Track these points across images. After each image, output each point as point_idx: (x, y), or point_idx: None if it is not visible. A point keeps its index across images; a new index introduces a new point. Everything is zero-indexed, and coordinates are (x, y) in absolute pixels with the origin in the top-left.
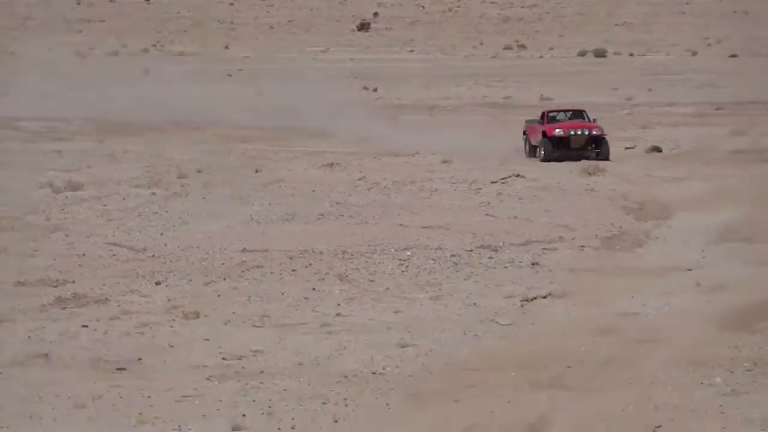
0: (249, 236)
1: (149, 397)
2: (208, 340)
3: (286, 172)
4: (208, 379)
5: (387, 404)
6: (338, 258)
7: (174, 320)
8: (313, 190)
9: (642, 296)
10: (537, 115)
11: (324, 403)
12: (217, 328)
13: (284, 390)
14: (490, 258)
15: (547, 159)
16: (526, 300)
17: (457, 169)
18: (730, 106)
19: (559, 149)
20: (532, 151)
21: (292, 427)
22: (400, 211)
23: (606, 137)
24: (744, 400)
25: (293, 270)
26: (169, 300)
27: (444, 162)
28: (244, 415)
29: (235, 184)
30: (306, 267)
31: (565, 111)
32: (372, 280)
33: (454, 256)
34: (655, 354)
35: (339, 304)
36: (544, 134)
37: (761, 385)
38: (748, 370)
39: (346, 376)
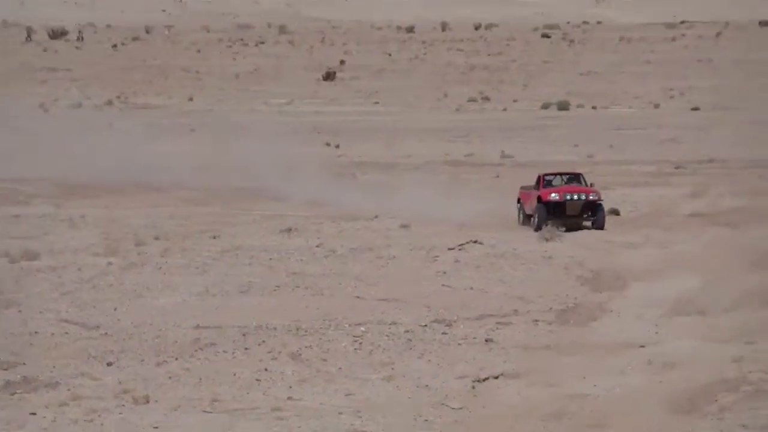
0: (203, 310)
1: None
2: (156, 428)
3: (244, 238)
4: None
5: None
6: (292, 334)
7: (123, 405)
8: (270, 259)
9: (594, 376)
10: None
11: None
12: (166, 415)
13: None
14: (444, 334)
15: (539, 227)
16: (479, 380)
17: (415, 235)
18: (691, 164)
19: (554, 215)
20: (526, 220)
21: None
22: (357, 282)
23: (602, 203)
24: None
25: (246, 348)
26: (120, 383)
27: (402, 227)
28: None
29: (192, 252)
30: (259, 345)
31: (561, 174)
32: (325, 359)
33: (408, 332)
34: None
35: (291, 387)
36: (539, 199)
37: None
38: None
39: None
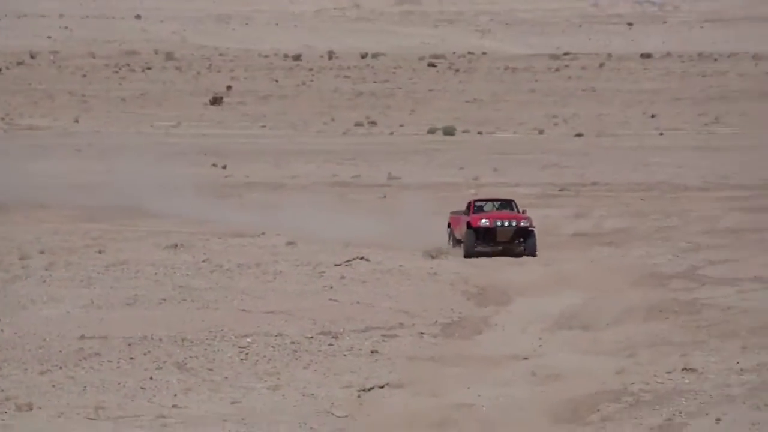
0: (88, 322)
1: None
2: None
3: (130, 253)
4: None
5: None
6: (177, 345)
7: (6, 413)
8: (156, 273)
9: (478, 386)
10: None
11: None
12: (50, 422)
13: None
14: (330, 345)
15: (468, 254)
16: (364, 390)
17: (301, 252)
18: (574, 187)
19: (484, 241)
20: (456, 245)
21: None
22: (243, 296)
23: (534, 230)
24: None
25: (131, 358)
26: (3, 391)
27: (289, 244)
28: None
29: (77, 266)
30: (145, 354)
31: (492, 200)
32: (210, 369)
33: (294, 343)
34: None
35: (176, 395)
36: (468, 225)
37: None
38: None
39: None
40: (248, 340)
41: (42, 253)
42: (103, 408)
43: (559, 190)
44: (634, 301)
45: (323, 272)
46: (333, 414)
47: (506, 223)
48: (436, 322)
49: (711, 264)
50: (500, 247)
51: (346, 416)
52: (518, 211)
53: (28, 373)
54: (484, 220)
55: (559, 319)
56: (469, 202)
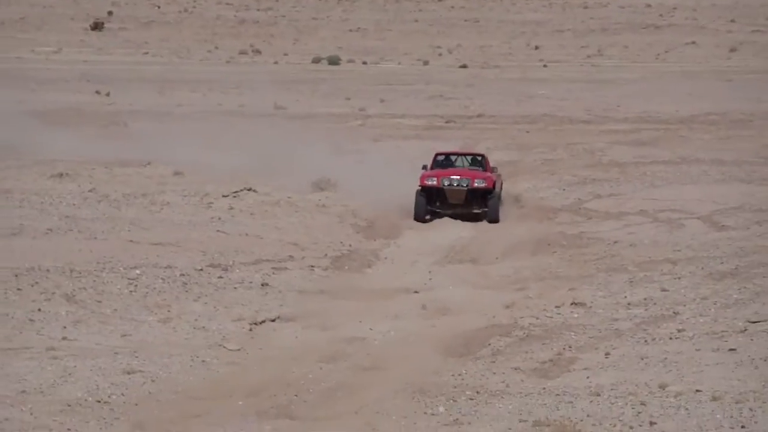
0: None
1: None
2: None
3: (14, 182)
4: None
5: None
6: (65, 276)
7: None
8: (42, 202)
9: (369, 320)
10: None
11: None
12: None
13: (6, 420)
14: (220, 278)
15: (417, 216)
16: (255, 323)
17: (189, 182)
18: (460, 119)
19: (435, 204)
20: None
21: None
22: (131, 227)
23: (495, 192)
24: (465, 431)
25: (18, 289)
26: None
27: (176, 174)
28: None
29: None
30: (32, 286)
31: (459, 155)
32: (99, 301)
33: (183, 275)
34: (381, 382)
35: (65, 327)
36: (419, 183)
37: (482, 415)
38: (470, 399)
39: (70, 405)
40: (137, 272)
41: None
42: None
43: (446, 122)
44: (522, 234)
45: (211, 203)
46: (225, 347)
47: (456, 183)
48: (326, 255)
49: (597, 198)
50: (453, 211)
51: (238, 350)
52: (484, 169)
53: None
54: (431, 179)
55: (448, 252)
56: (435, 155)
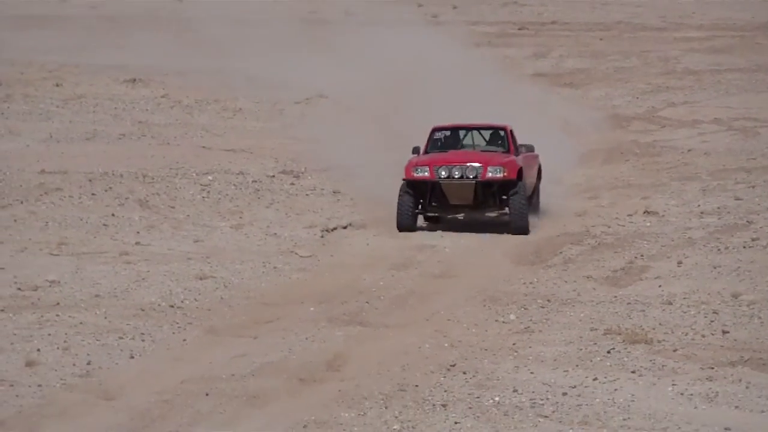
0: (48, 156)
1: None
2: (2, 269)
3: (88, 87)
4: (2, 310)
5: (184, 339)
6: (139, 181)
7: None
8: (115, 108)
9: (439, 227)
10: None
11: (120, 338)
12: (12, 256)
13: (80, 323)
14: (292, 185)
15: (401, 224)
16: (327, 230)
17: (261, 88)
18: (533, 26)
19: (430, 204)
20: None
21: (88, 363)
22: (203, 133)
23: (524, 185)
24: (536, 338)
25: (93, 194)
26: None
27: (248, 80)
28: (38, 350)
29: (35, 99)
30: (106, 191)
31: (471, 128)
32: (172, 207)
33: (255, 181)
34: (452, 289)
35: (138, 232)
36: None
37: (553, 323)
38: (541, 307)
39: (143, 309)
40: (209, 177)
41: None
42: (66, 244)
43: (518, 29)
44: (595, 142)
45: (283, 110)
46: (296, 254)
47: (459, 173)
48: (398, 162)
49: (671, 106)
50: (457, 214)
51: (310, 256)
52: (508, 150)
53: None
54: (420, 169)
55: None
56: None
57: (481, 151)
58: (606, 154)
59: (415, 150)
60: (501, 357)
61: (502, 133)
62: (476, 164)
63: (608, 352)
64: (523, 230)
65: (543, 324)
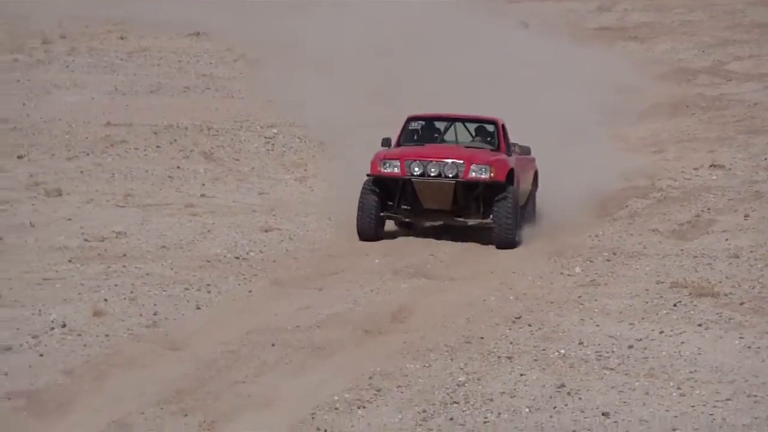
0: (113, 109)
1: (9, 279)
2: (70, 219)
3: (152, 40)
4: (69, 261)
5: (250, 291)
6: (203, 134)
7: (36, 197)
8: (179, 61)
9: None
10: None
11: (186, 289)
12: (79, 207)
13: (147, 274)
14: (354, 137)
15: (362, 231)
16: None
17: (324, 41)
18: None
19: (396, 209)
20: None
21: (154, 314)
22: (267, 86)
23: (514, 190)
24: (602, 291)
25: (158, 146)
26: (31, 176)
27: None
28: (105, 300)
29: (100, 52)
30: (171, 143)
31: (453, 119)
32: (237, 159)
33: (318, 135)
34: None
35: (203, 184)
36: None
37: (619, 276)
38: (607, 260)
39: (209, 261)
40: (274, 131)
41: (64, 38)
42: (132, 195)
43: None
44: (660, 96)
45: (348, 65)
46: None
47: (435, 171)
48: None
49: (737, 59)
50: (431, 221)
51: None
52: (498, 148)
53: (55, 159)
54: (389, 163)
55: (589, 113)
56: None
57: (466, 146)
58: (671, 108)
59: (385, 142)
60: (566, 310)
61: (491, 127)
62: (457, 161)
63: (674, 305)
64: (509, 244)
65: (609, 277)
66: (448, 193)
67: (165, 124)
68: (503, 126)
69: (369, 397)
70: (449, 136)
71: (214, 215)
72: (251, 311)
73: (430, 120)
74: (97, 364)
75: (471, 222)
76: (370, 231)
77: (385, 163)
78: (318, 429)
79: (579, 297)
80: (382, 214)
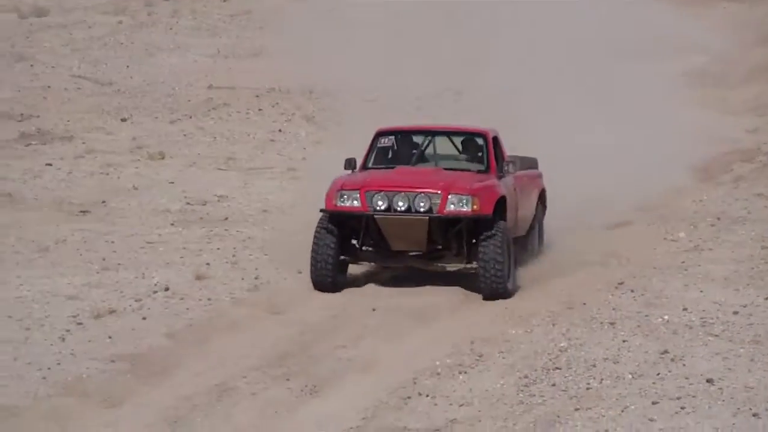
0: (216, 71)
1: (113, 242)
2: (172, 183)
3: (255, 3)
4: (172, 224)
5: None
6: (305, 97)
7: (139, 161)
8: (281, 24)
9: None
10: None
11: (288, 253)
12: (181, 171)
13: (248, 238)
14: (456, 102)
15: (317, 281)
16: None
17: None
18: None
19: (357, 251)
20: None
21: (256, 278)
22: (368, 50)
23: (505, 226)
24: (706, 257)
25: (260, 109)
26: (134, 139)
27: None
28: (207, 264)
29: (202, 15)
30: (273, 106)
31: (435, 132)
32: (339, 123)
33: (418, 99)
34: (619, 206)
35: (305, 148)
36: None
37: (723, 241)
38: (711, 225)
39: (310, 225)
40: (375, 94)
41: (167, 0)
42: (234, 159)
43: None
44: (762, 59)
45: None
46: None
47: (403, 203)
48: None
49: None
50: (402, 263)
51: None
52: (488, 169)
53: (158, 122)
54: (346, 195)
55: (689, 77)
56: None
57: (445, 169)
58: None
59: (349, 164)
60: (670, 275)
61: (479, 141)
62: (431, 191)
63: None
64: (499, 293)
65: (713, 242)
66: (420, 232)
67: (267, 87)
68: (494, 139)
69: (470, 362)
70: (428, 156)
71: (316, 179)
72: (351, 276)
73: (404, 134)
74: (200, 327)
75: (451, 267)
76: (325, 281)
77: (342, 195)
78: (420, 393)
79: (682, 262)
80: (341, 257)
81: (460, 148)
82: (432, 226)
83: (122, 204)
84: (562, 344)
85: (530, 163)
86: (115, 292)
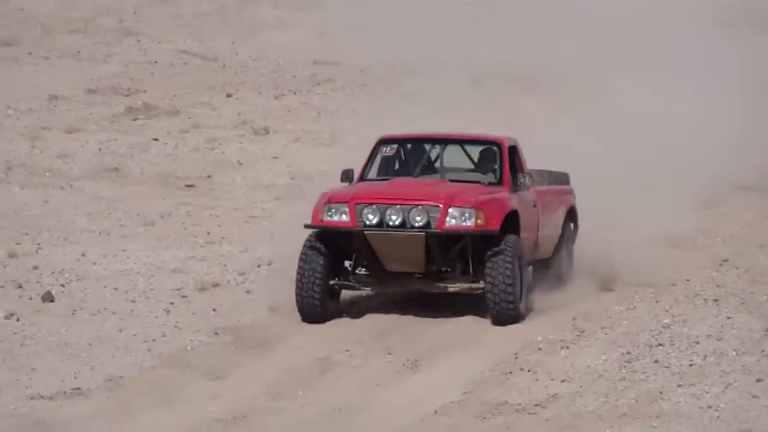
0: (320, 47)
1: (217, 216)
2: (276, 158)
3: None
4: (276, 199)
5: None
6: (408, 73)
7: (243, 135)
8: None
9: None
10: None
11: None
12: (285, 146)
13: None
14: (560, 84)
15: (303, 310)
16: None
17: None
18: None
19: (350, 273)
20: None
21: None
22: (471, 29)
23: (518, 243)
24: None
25: (364, 85)
26: (239, 114)
27: None
28: None
29: None
30: (377, 82)
31: (442, 141)
32: (441, 99)
33: (523, 79)
34: (725, 187)
35: (408, 124)
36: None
37: None
38: None
39: None
40: (479, 72)
41: None
42: (338, 134)
43: None
44: None
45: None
46: None
47: (397, 217)
48: None
49: None
50: (399, 286)
51: None
52: (501, 180)
53: (263, 97)
54: (335, 208)
55: None
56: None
57: (452, 180)
58: None
59: (346, 175)
60: None
61: (494, 148)
62: (429, 203)
63: None
64: (509, 317)
65: None
66: (416, 250)
67: (371, 63)
68: (512, 148)
69: (572, 338)
70: (436, 166)
71: None
72: None
73: (409, 142)
74: None
75: (453, 288)
76: (313, 309)
77: (329, 209)
78: (521, 368)
79: None
80: (331, 282)
81: (469, 159)
82: (430, 243)
83: (227, 179)
84: (665, 321)
85: (559, 178)
86: (219, 265)
